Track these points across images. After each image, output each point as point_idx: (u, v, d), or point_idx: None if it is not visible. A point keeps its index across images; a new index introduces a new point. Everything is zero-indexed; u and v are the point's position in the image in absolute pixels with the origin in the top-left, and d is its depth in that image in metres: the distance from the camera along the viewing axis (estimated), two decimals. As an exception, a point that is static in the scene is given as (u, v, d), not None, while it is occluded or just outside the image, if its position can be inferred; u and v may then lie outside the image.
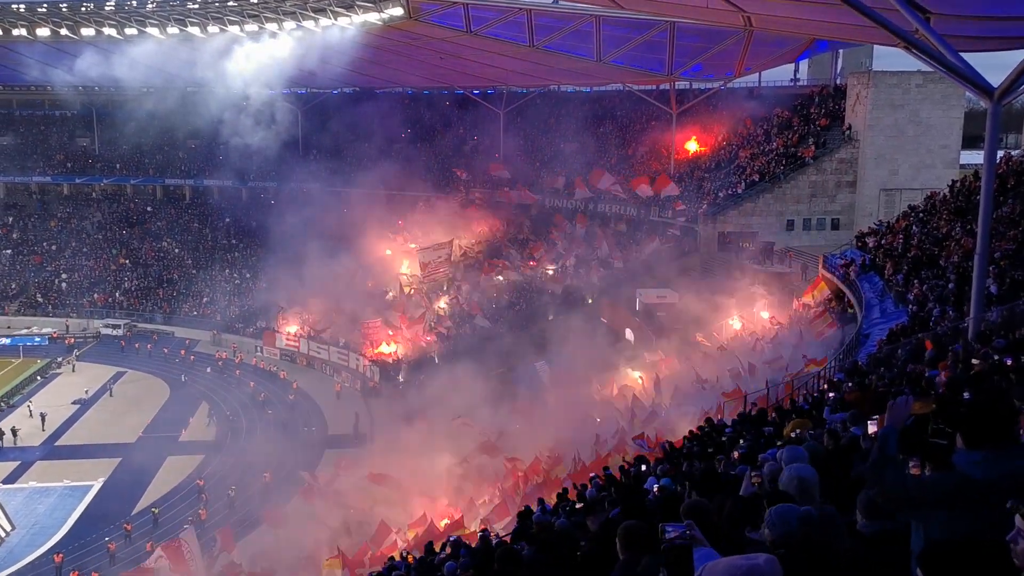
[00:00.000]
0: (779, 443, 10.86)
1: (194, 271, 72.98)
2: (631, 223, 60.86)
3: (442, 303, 60.47)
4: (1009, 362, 11.44)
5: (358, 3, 59.62)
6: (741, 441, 14.66)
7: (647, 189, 58.71)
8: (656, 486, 12.84)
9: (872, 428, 7.94)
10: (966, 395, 9.02)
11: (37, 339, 66.27)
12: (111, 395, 55.41)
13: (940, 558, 2.72)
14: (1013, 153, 37.50)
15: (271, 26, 65.25)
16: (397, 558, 22.42)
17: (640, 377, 39.65)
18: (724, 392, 28.47)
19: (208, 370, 60.19)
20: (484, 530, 22.22)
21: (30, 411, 51.62)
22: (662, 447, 20.68)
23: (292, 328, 62.00)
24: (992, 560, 2.72)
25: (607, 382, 40.01)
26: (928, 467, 5.44)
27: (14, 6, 66.94)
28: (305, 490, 37.36)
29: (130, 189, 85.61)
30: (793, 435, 11.99)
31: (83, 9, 66.47)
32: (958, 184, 35.84)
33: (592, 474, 21.64)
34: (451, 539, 21.47)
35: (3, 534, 37.38)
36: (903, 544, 4.27)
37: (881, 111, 53.03)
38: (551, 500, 19.87)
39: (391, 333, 56.85)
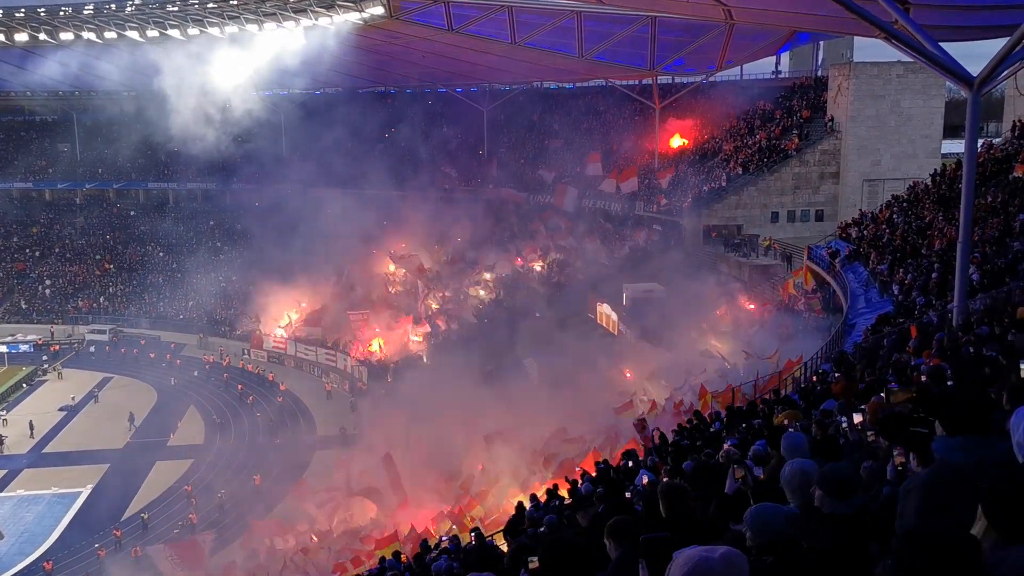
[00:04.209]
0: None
1: (179, 275, 72.63)
2: (616, 218, 60.93)
3: (431, 303, 60.38)
4: (973, 351, 11.55)
5: (339, 3, 59.40)
6: (725, 433, 14.72)
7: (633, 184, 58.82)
8: (646, 478, 12.91)
9: (857, 419, 7.99)
10: (949, 383, 9.07)
11: (22, 346, 65.78)
12: (96, 401, 55.03)
13: (916, 550, 2.73)
14: (994, 141, 37.73)
15: (251, 27, 64.93)
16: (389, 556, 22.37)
17: (628, 372, 39.72)
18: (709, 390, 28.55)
19: (195, 373, 59.96)
20: (476, 528, 22.23)
21: (4, 421, 51.23)
22: (651, 442, 20.76)
23: (279, 331, 61.86)
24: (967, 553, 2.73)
25: (596, 378, 40.09)
26: (914, 457, 5.48)
27: (-8, 11, 66.51)
28: (298, 488, 37.35)
29: (113, 193, 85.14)
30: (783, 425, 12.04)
31: (62, 13, 65.98)
32: (940, 173, 36.07)
33: (580, 470, 21.70)
34: (443, 538, 21.51)
35: (-8, 543, 37.19)
36: (869, 522, 4.31)
37: (863, 102, 53.26)
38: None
39: (378, 331, 56.87)
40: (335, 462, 40.55)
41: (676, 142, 64.11)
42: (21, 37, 70.47)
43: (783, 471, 5.22)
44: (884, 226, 34.37)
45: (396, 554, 21.50)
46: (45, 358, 63.15)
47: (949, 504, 3.79)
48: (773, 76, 69.39)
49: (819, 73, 64.85)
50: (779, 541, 4.00)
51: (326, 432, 48.99)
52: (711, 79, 63.24)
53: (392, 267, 64.44)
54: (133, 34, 68.16)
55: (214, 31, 65.97)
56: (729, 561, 2.98)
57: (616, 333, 46.78)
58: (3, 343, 65.24)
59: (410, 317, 57.97)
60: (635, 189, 58.58)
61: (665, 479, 11.47)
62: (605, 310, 48.70)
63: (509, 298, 57.20)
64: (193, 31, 66.30)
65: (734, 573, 2.98)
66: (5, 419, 51.74)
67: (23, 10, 66.67)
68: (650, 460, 16.32)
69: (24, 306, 73.17)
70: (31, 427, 49.70)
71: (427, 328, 56.68)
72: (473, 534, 18.79)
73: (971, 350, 11.87)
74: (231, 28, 65.41)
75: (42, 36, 70.11)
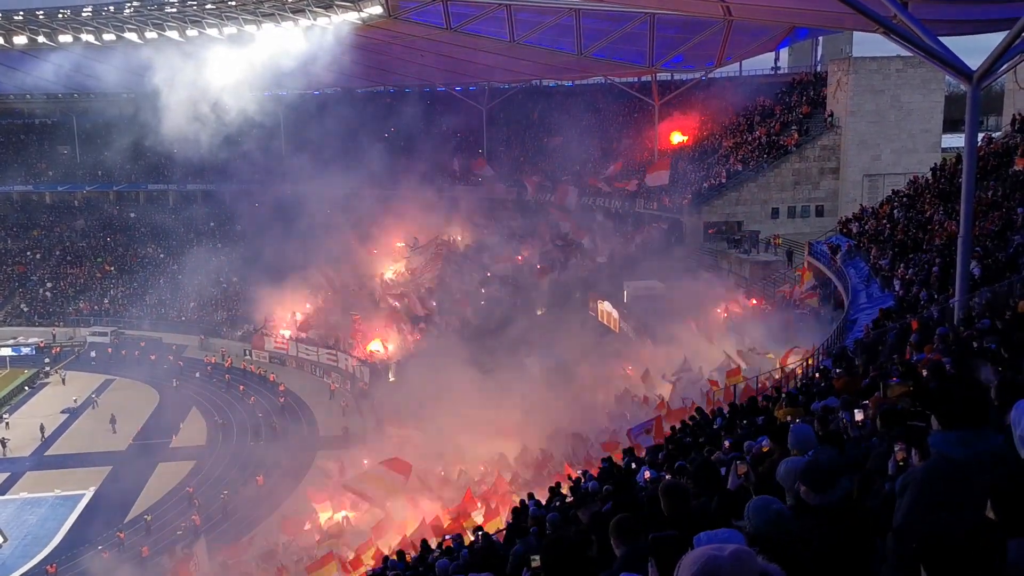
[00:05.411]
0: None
1: (180, 276, 72.57)
2: (617, 215, 60.94)
3: (432, 301, 60.40)
4: (976, 346, 11.54)
5: (337, 3, 59.40)
6: (724, 433, 14.70)
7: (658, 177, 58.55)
8: (647, 473, 12.90)
9: (859, 416, 7.98)
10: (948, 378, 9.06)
11: (24, 349, 65.75)
12: (96, 407, 54.38)
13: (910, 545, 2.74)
14: (994, 135, 37.68)
15: (250, 28, 64.90)
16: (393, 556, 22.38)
17: (628, 370, 39.73)
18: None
19: (197, 375, 59.96)
20: (479, 527, 22.23)
21: (7, 424, 51.26)
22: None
23: (283, 332, 61.90)
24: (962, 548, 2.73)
25: (598, 376, 40.15)
26: (915, 452, 5.48)
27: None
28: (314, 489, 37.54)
29: (113, 195, 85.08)
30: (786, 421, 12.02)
31: (60, 16, 65.95)
32: (940, 168, 36.03)
33: (583, 469, 21.70)
34: (446, 537, 21.50)
35: (-5, 546, 37.22)
36: (859, 512, 4.34)
37: (862, 97, 53.22)
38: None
39: (378, 330, 56.93)
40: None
41: (676, 139, 64.08)
42: (20, 40, 70.44)
43: (778, 469, 5.24)
44: (885, 221, 34.35)
45: (400, 553, 21.50)
46: (47, 361, 63.17)
47: (946, 499, 3.80)
48: (772, 72, 69.37)
49: (818, 68, 64.84)
50: (774, 536, 4.02)
51: (328, 432, 49.02)
52: (710, 75, 63.11)
53: (391, 270, 64.51)
54: (131, 36, 68.14)
55: (212, 32, 65.95)
56: (739, 559, 2.97)
57: (617, 330, 46.79)
58: (6, 346, 65.26)
59: (410, 317, 57.98)
60: (664, 183, 57.97)
61: (667, 476, 11.47)
62: (606, 308, 48.74)
63: (510, 296, 57.19)
64: (192, 32, 66.27)
65: (744, 571, 2.97)
66: (7, 422, 51.75)
67: (21, 13, 66.66)
68: (661, 455, 16.28)
69: (25, 309, 73.15)
70: (42, 430, 49.75)
71: (427, 328, 56.68)
72: (479, 534, 18.76)
73: (975, 345, 11.85)
74: (229, 29, 65.38)
75: (40, 39, 70.08)
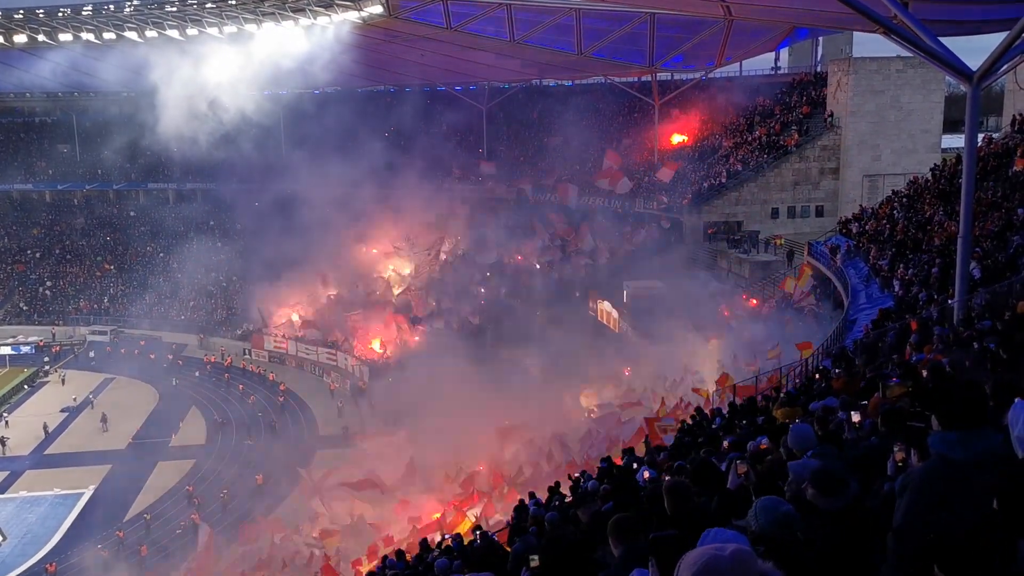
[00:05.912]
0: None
1: (179, 275, 72.55)
2: (617, 215, 60.92)
3: (430, 301, 60.40)
4: (978, 347, 11.53)
5: (337, 2, 59.39)
6: (722, 434, 14.68)
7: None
8: (647, 473, 12.89)
9: (856, 417, 7.98)
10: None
11: (24, 348, 65.71)
12: (92, 408, 53.90)
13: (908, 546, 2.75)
14: (994, 136, 37.68)
15: (250, 27, 64.88)
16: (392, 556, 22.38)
17: (626, 371, 39.76)
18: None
19: (196, 374, 59.94)
20: (477, 526, 22.23)
21: (7, 423, 51.25)
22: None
23: (282, 330, 61.89)
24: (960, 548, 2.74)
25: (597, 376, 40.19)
26: (914, 453, 5.49)
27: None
28: (302, 487, 37.52)
29: (113, 194, 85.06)
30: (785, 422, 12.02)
31: (60, 15, 65.92)
32: (940, 168, 36.04)
33: (582, 469, 21.72)
34: (445, 536, 21.51)
35: (-5, 545, 37.22)
36: (864, 516, 4.36)
37: (862, 97, 53.24)
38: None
39: (377, 330, 56.95)
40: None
41: (676, 139, 64.08)
42: (20, 39, 70.40)
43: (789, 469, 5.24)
44: (884, 221, 34.36)
45: (400, 553, 21.50)
46: (46, 359, 63.14)
47: (945, 499, 3.81)
48: (772, 72, 69.39)
49: (818, 69, 64.85)
50: (779, 536, 4.03)
51: (328, 431, 49.03)
52: (710, 75, 63.12)
53: (392, 268, 64.49)
54: (132, 35, 68.10)
55: (212, 31, 65.92)
56: (739, 559, 2.98)
57: (617, 330, 46.81)
58: (5, 345, 65.20)
59: (409, 316, 57.97)
60: (626, 190, 58.43)
61: (667, 476, 11.46)
62: (606, 307, 48.76)
63: (509, 295, 57.20)
64: (192, 31, 66.24)
65: (744, 571, 2.98)
66: (7, 421, 51.74)
67: (22, 11, 66.61)
68: (663, 454, 16.28)
69: (25, 307, 73.13)
70: (45, 429, 49.77)
71: (427, 327, 56.70)
72: (478, 532, 18.76)
73: (975, 345, 11.85)
74: (229, 28, 65.36)
75: (41, 37, 70.02)
